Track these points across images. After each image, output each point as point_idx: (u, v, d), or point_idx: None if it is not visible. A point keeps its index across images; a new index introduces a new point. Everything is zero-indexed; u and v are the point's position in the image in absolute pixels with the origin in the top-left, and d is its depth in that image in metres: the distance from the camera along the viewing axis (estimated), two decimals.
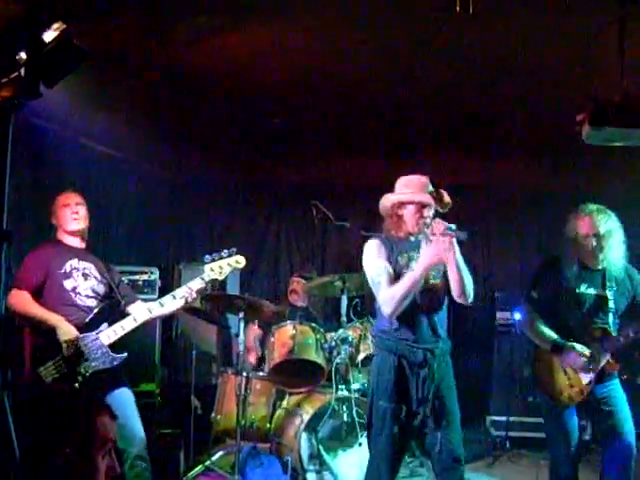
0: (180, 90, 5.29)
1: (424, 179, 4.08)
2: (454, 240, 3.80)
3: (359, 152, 6.97)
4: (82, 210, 4.58)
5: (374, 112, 5.80)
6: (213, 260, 4.66)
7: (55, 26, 3.28)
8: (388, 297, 3.84)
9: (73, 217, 4.54)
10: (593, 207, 4.33)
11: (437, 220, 3.84)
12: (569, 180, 7.24)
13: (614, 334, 4.22)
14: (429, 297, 3.96)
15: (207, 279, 4.64)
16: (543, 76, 4.81)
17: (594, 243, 4.26)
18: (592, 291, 4.32)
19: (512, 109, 5.53)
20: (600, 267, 4.33)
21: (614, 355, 4.20)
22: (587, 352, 4.20)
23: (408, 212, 4.02)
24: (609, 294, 4.30)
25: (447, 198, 4.06)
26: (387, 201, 4.11)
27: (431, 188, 4.05)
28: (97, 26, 4.08)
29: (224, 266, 4.67)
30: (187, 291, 4.59)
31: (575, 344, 4.23)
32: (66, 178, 5.93)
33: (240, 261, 4.76)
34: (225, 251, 4.73)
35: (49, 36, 3.31)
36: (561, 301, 4.37)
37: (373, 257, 4.00)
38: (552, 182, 7.57)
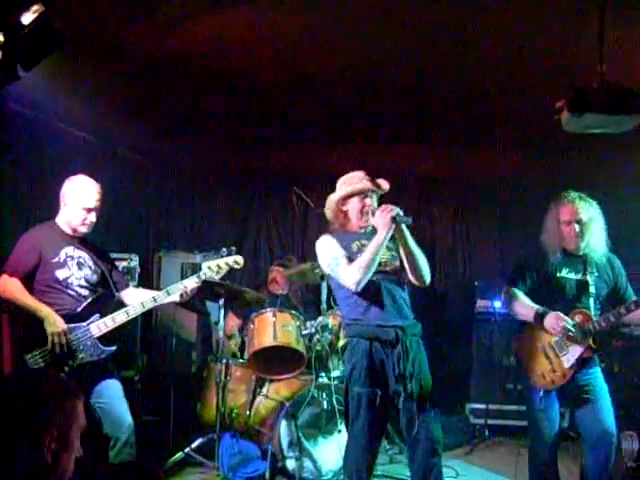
0: (160, 75, 5.24)
1: (360, 173, 4.25)
2: (403, 226, 3.98)
3: (340, 139, 6.95)
4: (95, 217, 4.48)
5: (355, 100, 5.78)
6: (212, 258, 4.68)
7: (34, 8, 3.25)
8: (354, 267, 3.93)
9: (86, 225, 4.44)
10: (575, 194, 4.37)
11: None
12: (549, 169, 7.25)
13: (595, 318, 4.24)
14: (390, 279, 4.06)
15: (203, 278, 4.63)
16: (522, 63, 4.79)
17: (576, 229, 4.30)
18: (573, 276, 4.36)
19: (490, 97, 5.53)
20: (581, 253, 4.37)
21: (594, 339, 4.23)
22: (569, 320, 4.21)
23: (352, 205, 4.20)
24: (590, 279, 4.33)
25: (385, 185, 4.23)
26: (331, 202, 4.28)
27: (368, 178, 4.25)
28: (76, 9, 4.03)
29: (222, 265, 4.68)
30: (182, 289, 4.58)
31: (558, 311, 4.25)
32: (44, 164, 5.88)
33: (239, 261, 4.77)
34: (224, 250, 4.75)
35: (27, 18, 3.27)
36: (543, 286, 4.42)
37: (327, 247, 4.15)
38: (531, 171, 7.59)
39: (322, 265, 4.20)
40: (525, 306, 4.41)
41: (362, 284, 3.91)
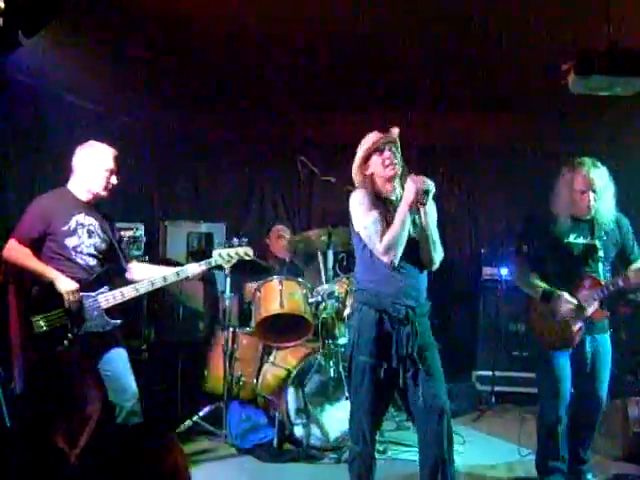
0: (164, 41, 5.19)
1: (371, 134, 4.10)
2: (430, 197, 3.87)
3: (347, 107, 6.91)
4: (117, 180, 4.48)
5: (360, 67, 5.74)
6: (224, 247, 4.79)
7: None
8: (387, 244, 3.81)
9: (108, 188, 4.44)
10: (589, 162, 4.28)
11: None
12: (555, 136, 7.20)
13: (603, 282, 4.23)
14: (409, 254, 3.91)
15: (213, 264, 4.74)
16: (528, 25, 4.73)
17: (591, 198, 4.24)
18: (581, 240, 4.34)
19: (497, 62, 5.46)
20: (588, 217, 4.34)
21: (602, 304, 4.23)
22: (574, 301, 4.23)
23: (374, 164, 4.02)
24: (598, 243, 4.31)
25: (394, 130, 4.06)
26: (355, 172, 4.12)
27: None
28: None
29: (232, 255, 4.79)
30: (191, 273, 4.63)
31: (564, 292, 4.25)
32: (47, 133, 5.84)
33: (249, 253, 4.86)
34: (235, 240, 4.84)
35: None
36: (551, 252, 4.40)
37: (364, 207, 3.95)
38: (537, 137, 7.53)
39: (356, 220, 3.98)
40: (532, 286, 4.42)
41: (397, 258, 3.82)
